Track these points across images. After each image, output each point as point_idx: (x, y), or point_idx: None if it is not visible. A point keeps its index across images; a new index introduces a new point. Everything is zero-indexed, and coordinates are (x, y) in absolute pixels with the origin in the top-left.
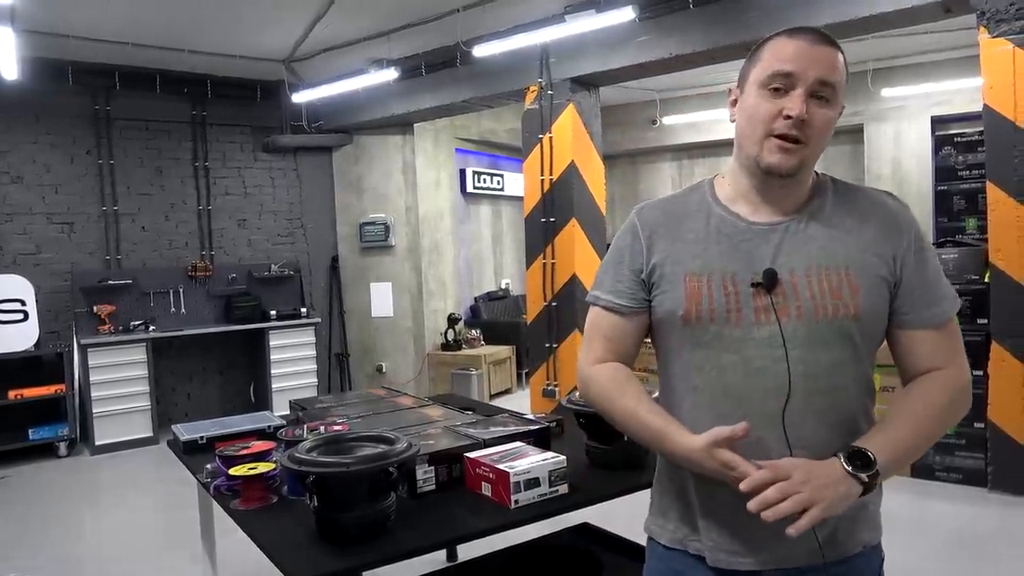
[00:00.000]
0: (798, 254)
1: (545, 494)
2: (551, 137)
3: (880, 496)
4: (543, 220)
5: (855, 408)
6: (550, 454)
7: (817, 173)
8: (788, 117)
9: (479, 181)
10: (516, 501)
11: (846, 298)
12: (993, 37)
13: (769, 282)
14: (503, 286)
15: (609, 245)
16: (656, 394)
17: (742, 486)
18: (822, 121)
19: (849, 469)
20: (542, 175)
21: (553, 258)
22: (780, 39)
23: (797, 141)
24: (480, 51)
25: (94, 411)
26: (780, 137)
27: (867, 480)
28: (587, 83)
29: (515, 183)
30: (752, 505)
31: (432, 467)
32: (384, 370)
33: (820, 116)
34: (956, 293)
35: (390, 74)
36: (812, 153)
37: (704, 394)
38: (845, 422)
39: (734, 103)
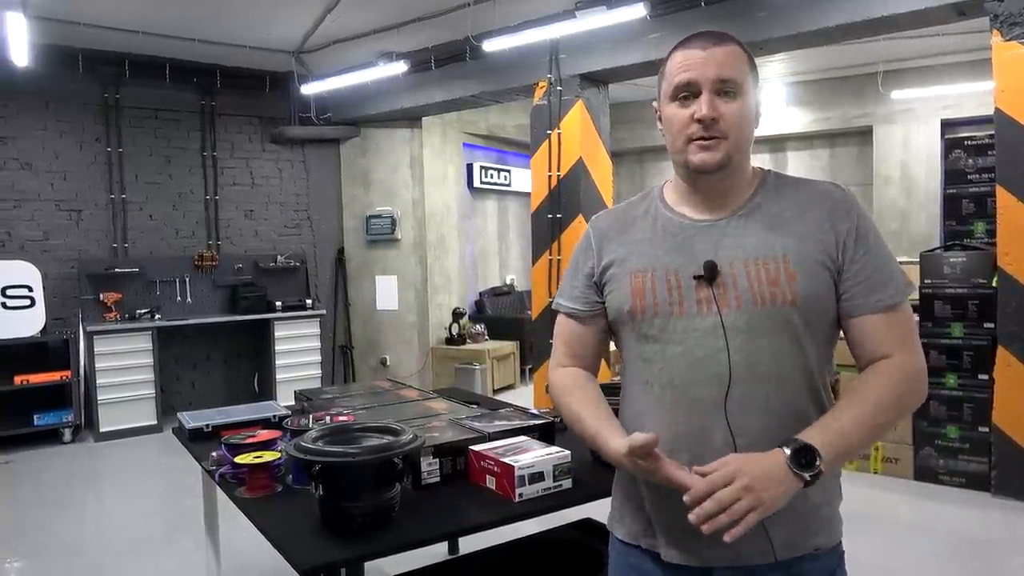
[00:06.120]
0: (737, 246)
1: (549, 488)
2: (559, 133)
3: (838, 498)
4: (550, 216)
5: (801, 397)
6: (554, 449)
7: (762, 170)
8: (699, 120)
9: (486, 176)
10: (520, 495)
11: (783, 285)
12: (1006, 40)
13: (710, 274)
14: (508, 282)
15: None
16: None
17: (684, 499)
18: (733, 113)
19: (793, 468)
20: (550, 171)
21: (559, 254)
22: (675, 53)
23: (714, 137)
24: (490, 46)
25: (99, 398)
26: (698, 139)
27: (808, 479)
28: (596, 80)
29: (522, 179)
30: (692, 518)
31: (437, 459)
32: (388, 363)
33: (729, 109)
34: (908, 281)
35: (399, 67)
36: (735, 145)
37: (654, 387)
38: (791, 411)
39: (660, 118)
